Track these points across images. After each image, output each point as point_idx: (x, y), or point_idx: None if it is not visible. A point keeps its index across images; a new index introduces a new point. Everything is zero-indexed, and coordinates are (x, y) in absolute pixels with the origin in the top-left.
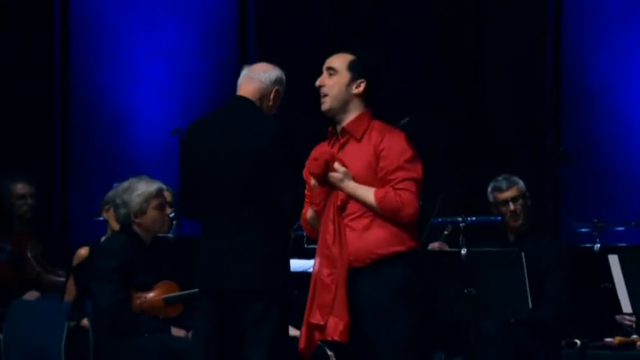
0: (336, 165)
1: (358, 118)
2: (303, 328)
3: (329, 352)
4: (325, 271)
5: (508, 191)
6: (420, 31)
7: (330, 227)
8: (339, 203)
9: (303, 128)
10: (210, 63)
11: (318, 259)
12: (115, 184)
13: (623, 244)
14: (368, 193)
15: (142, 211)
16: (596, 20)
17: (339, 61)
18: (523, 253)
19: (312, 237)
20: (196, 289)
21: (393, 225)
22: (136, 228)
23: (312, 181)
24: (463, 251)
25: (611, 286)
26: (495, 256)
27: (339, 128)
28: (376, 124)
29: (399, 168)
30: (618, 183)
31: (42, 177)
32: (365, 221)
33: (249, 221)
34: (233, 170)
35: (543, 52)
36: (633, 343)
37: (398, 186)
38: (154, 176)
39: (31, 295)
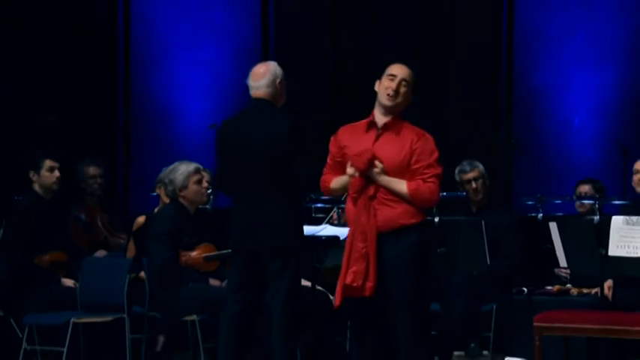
0: (377, 162)
1: (397, 118)
2: (339, 288)
3: (330, 297)
4: (360, 245)
5: (471, 173)
6: (403, 43)
7: (364, 213)
8: (371, 192)
9: (310, 120)
10: (239, 72)
11: (352, 234)
12: (163, 168)
13: (561, 214)
14: (401, 185)
15: (184, 186)
16: (539, 39)
17: (410, 76)
18: (483, 221)
19: (328, 196)
20: (229, 250)
21: (410, 203)
22: (181, 200)
23: (350, 170)
24: (436, 219)
25: (550, 246)
26: (461, 223)
27: (380, 121)
28: (407, 124)
29: (430, 165)
30: (557, 167)
31: (109, 162)
32: (392, 199)
33: (270, 196)
34: (257, 156)
35: (499, 64)
36: (568, 290)
37: (428, 180)
38: (194, 160)
39: (100, 254)
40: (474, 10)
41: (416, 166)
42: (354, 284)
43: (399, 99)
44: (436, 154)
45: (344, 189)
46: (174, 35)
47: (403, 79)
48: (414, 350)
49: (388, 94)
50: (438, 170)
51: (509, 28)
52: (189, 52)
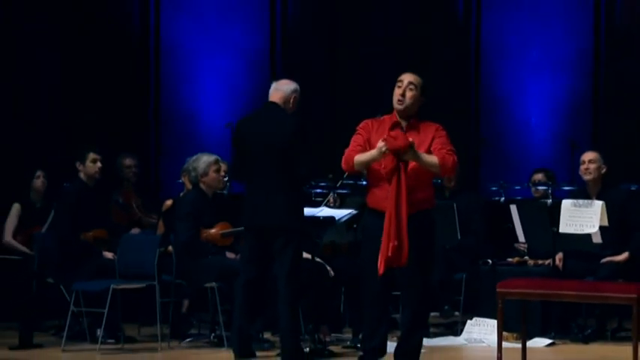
0: (410, 139)
1: (417, 118)
2: (382, 259)
3: (328, 267)
4: (395, 223)
5: None
6: (390, 56)
7: (398, 196)
8: (402, 178)
9: (311, 121)
10: (251, 80)
11: (389, 215)
12: (187, 158)
13: (519, 198)
14: (431, 158)
15: (205, 173)
16: (501, 53)
17: (417, 81)
18: (454, 204)
19: (349, 173)
20: (242, 227)
21: (429, 192)
22: (202, 186)
23: (381, 144)
24: None
25: (511, 225)
26: (437, 205)
27: (403, 122)
28: (425, 122)
29: (445, 143)
30: (516, 158)
31: (142, 154)
32: (416, 186)
33: (277, 183)
34: (266, 150)
35: (469, 73)
36: (526, 261)
37: (448, 152)
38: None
39: (135, 231)
40: (448, 29)
41: (435, 145)
42: (394, 256)
43: (408, 101)
44: (448, 138)
45: (366, 165)
46: (196, 49)
47: (410, 83)
48: (417, 314)
49: (398, 99)
50: (453, 147)
51: (476, 44)
52: (209, 64)
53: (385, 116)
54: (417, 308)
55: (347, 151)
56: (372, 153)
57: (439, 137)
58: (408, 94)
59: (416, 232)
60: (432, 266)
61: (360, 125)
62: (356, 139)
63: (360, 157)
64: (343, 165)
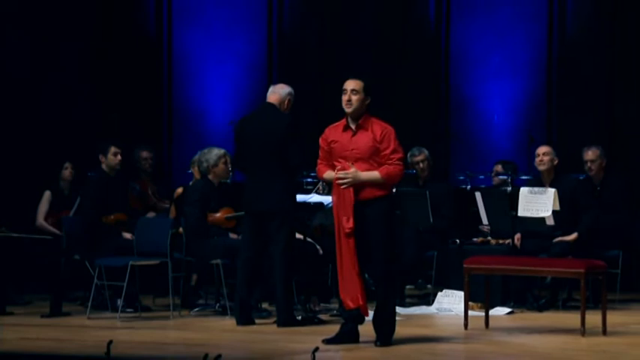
0: (341, 174)
1: (366, 117)
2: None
3: (317, 246)
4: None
5: (419, 156)
6: (375, 62)
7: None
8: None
9: (306, 119)
10: (251, 83)
11: (335, 197)
12: (198, 151)
13: (483, 186)
14: (374, 175)
15: (215, 165)
16: (468, 58)
17: (359, 85)
18: (427, 192)
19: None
20: (243, 212)
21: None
22: (210, 176)
23: (334, 174)
24: (394, 190)
25: (476, 209)
26: (412, 193)
27: (352, 123)
28: (374, 119)
29: (394, 151)
30: (481, 151)
31: (157, 148)
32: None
33: (272, 173)
34: (264, 144)
35: (439, 77)
36: (488, 241)
37: (395, 162)
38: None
39: (150, 215)
40: (421, 38)
41: (384, 153)
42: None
43: (355, 104)
44: (396, 141)
45: (331, 182)
46: (204, 57)
47: (352, 90)
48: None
49: (345, 104)
50: (401, 154)
51: (446, 51)
52: (215, 69)
53: (342, 120)
54: (384, 282)
55: (318, 161)
56: (332, 176)
57: (387, 142)
58: (354, 97)
59: (372, 215)
60: (393, 245)
61: (321, 137)
62: (320, 152)
63: (326, 176)
64: (317, 174)
